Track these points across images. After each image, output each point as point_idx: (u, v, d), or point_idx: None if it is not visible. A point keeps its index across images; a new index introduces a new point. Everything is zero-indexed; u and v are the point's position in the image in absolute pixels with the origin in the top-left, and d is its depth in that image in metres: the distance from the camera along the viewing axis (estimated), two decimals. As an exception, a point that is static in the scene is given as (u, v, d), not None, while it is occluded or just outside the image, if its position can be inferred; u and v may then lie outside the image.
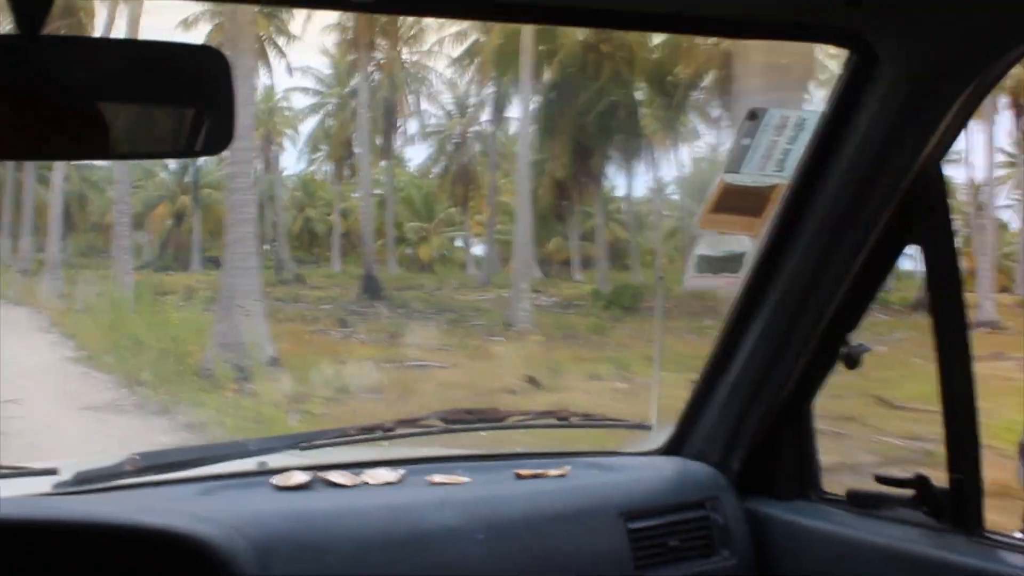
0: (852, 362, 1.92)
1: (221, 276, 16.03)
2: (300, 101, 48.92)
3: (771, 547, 2.00)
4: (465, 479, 1.93)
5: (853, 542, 1.87)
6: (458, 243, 41.70)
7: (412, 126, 36.06)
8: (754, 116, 1.88)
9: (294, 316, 20.40)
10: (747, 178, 1.87)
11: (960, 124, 1.66)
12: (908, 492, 1.83)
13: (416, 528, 1.74)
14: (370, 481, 1.89)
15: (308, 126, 39.69)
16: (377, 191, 34.60)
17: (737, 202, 1.91)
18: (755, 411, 2.03)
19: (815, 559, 1.93)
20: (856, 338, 1.92)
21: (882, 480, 1.89)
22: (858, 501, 1.95)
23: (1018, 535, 1.72)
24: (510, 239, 28.46)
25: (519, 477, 1.98)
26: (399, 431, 2.11)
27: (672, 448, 2.18)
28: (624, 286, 25.14)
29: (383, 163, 35.39)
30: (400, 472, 1.94)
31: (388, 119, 33.72)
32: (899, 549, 1.78)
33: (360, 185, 30.97)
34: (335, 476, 1.89)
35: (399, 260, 37.44)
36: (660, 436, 2.24)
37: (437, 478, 1.93)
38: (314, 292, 27.23)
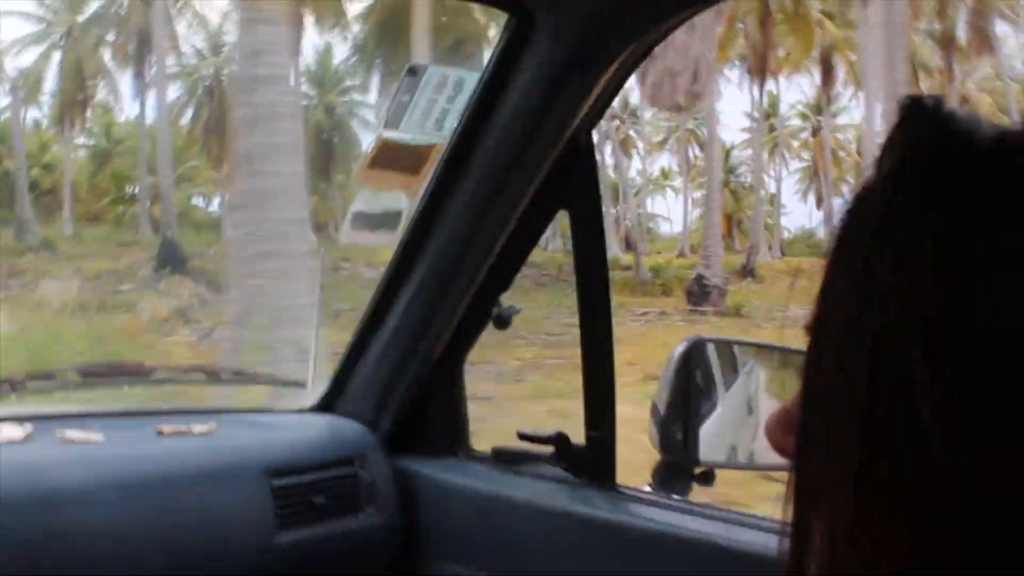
0: (502, 322, 1.96)
1: None
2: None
3: (418, 504, 2.03)
4: (100, 436, 1.82)
5: (496, 497, 1.92)
6: (196, 201, 38.43)
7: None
8: (413, 72, 1.87)
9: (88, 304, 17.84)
10: (406, 135, 1.86)
11: (612, 93, 1.72)
12: (549, 449, 1.90)
13: (43, 488, 1.62)
14: (-8, 438, 1.75)
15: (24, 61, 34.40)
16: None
17: (395, 159, 1.89)
18: (408, 370, 2.05)
19: (459, 514, 1.97)
20: (506, 299, 1.96)
21: (524, 437, 1.95)
22: (503, 458, 2.00)
23: (647, 489, 1.82)
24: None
25: (160, 434, 1.89)
26: (30, 384, 1.97)
27: (324, 406, 2.16)
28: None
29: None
30: (27, 428, 1.80)
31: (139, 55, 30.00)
32: (539, 503, 1.84)
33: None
34: (-49, 433, 1.73)
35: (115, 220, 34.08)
36: (314, 395, 2.21)
37: (69, 435, 1.80)
38: (86, 264, 22.42)
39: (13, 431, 1.78)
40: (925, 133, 0.57)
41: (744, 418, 2.16)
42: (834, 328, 0.58)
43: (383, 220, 2.04)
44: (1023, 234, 0.52)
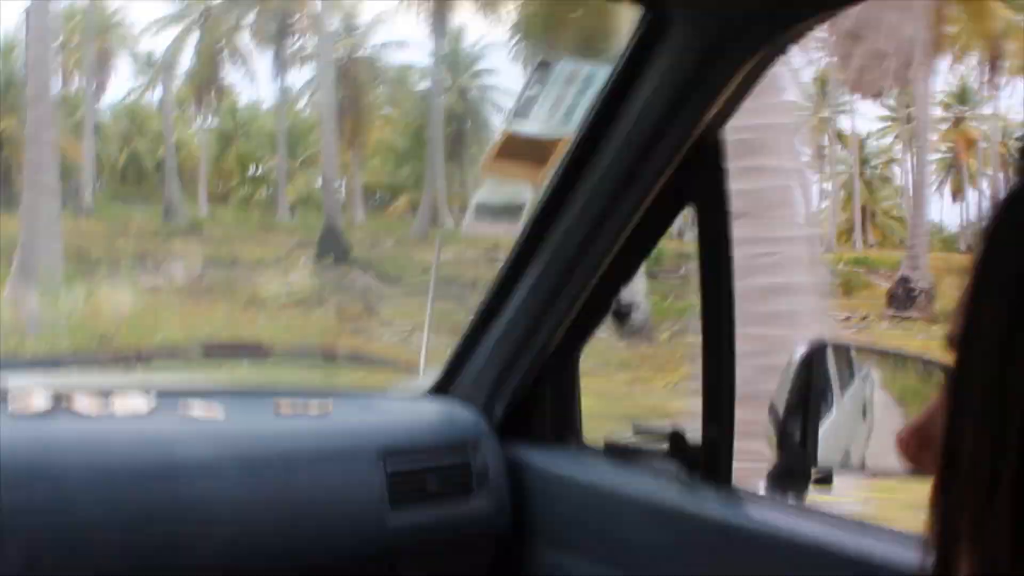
0: (622, 316, 1.96)
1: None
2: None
3: (527, 493, 2.04)
4: (221, 412, 1.86)
5: (606, 490, 1.92)
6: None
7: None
8: (544, 65, 1.88)
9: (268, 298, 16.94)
10: (533, 127, 1.86)
11: (743, 92, 1.70)
12: (663, 445, 1.89)
13: (165, 460, 1.67)
14: (118, 409, 1.80)
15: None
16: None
17: (521, 151, 1.90)
18: (522, 359, 2.05)
19: (569, 506, 1.98)
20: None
21: (639, 431, 1.94)
22: (615, 452, 2.00)
23: (763, 490, 1.80)
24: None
25: (279, 413, 1.93)
26: (155, 358, 2.02)
27: (438, 391, 2.19)
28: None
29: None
30: (152, 401, 1.85)
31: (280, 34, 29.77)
32: (650, 499, 1.84)
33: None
34: (80, 402, 1.78)
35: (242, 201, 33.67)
36: (428, 379, 2.23)
37: (191, 409, 1.85)
38: (240, 250, 21.32)
39: (139, 403, 1.84)
40: None
41: (859, 423, 2.13)
42: (985, 344, 0.55)
43: (506, 211, 2.05)
44: None
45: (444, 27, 27.68)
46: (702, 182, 1.78)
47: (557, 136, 1.86)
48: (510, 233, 2.04)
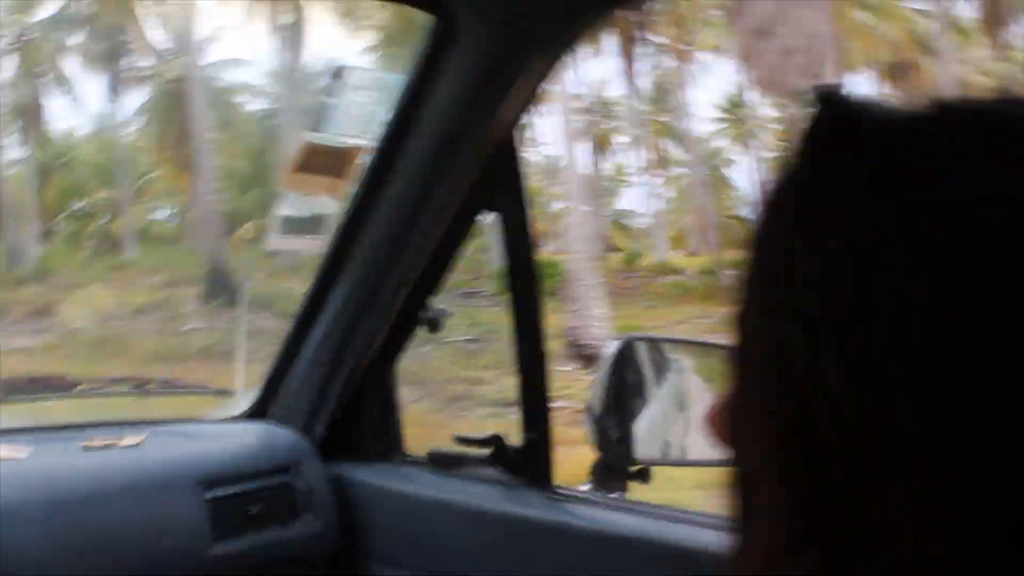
0: (434, 326, 1.96)
1: None
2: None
3: (355, 510, 2.02)
4: (25, 452, 1.78)
5: (433, 501, 1.91)
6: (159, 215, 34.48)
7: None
8: (339, 74, 1.86)
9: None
10: (330, 138, 1.85)
11: (535, 94, 1.72)
12: (486, 451, 1.90)
13: (-33, 507, 1.58)
14: (-87, 457, 1.70)
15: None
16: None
17: (320, 162, 1.88)
18: (339, 375, 2.03)
19: (396, 519, 1.96)
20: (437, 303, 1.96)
21: (461, 440, 1.95)
22: (439, 461, 1.99)
23: (584, 489, 1.83)
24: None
25: (88, 448, 1.86)
26: (-49, 401, 1.92)
27: (255, 413, 2.14)
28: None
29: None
30: (-50, 445, 1.76)
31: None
32: (476, 505, 1.84)
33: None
34: None
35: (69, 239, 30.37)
36: (245, 403, 2.19)
37: None
38: (107, 296, 19.54)
39: (-66, 449, 1.74)
40: (828, 121, 0.57)
41: (676, 415, 2.18)
42: (755, 316, 0.58)
43: (310, 224, 2.03)
44: (901, 223, 0.53)
45: (292, 44, 26.84)
46: (501, 187, 1.79)
47: (355, 145, 1.85)
48: (314, 247, 2.02)
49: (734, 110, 31.20)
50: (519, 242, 1.78)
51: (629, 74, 26.65)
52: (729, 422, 0.61)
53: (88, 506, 1.70)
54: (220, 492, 1.86)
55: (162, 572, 1.77)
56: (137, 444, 1.90)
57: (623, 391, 1.85)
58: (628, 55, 25.99)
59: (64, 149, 34.43)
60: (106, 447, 1.87)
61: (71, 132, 34.88)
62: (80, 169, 34.08)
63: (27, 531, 1.60)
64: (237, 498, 1.88)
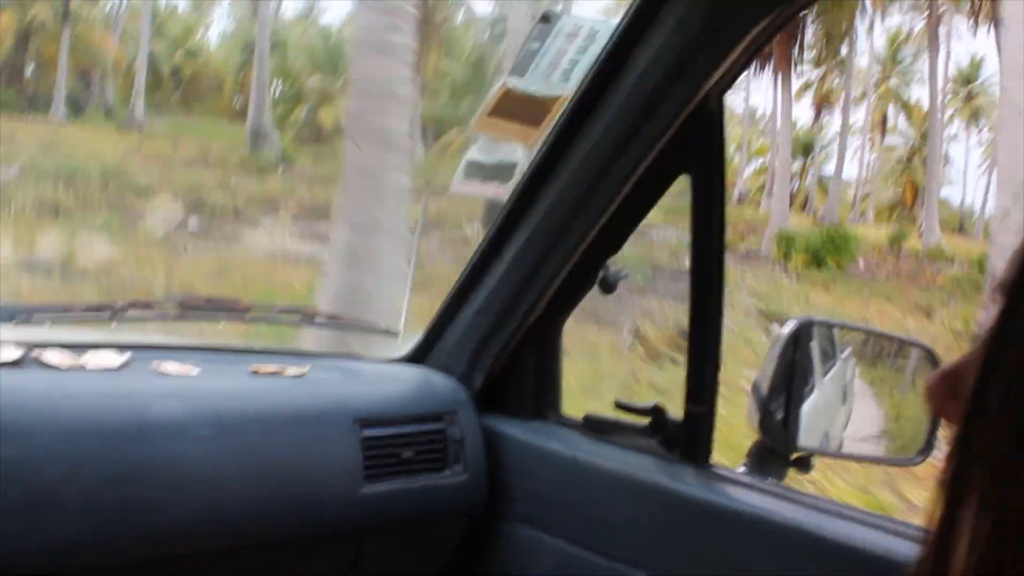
0: (608, 287, 1.93)
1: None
2: None
3: (504, 465, 2.01)
4: (196, 370, 1.82)
5: (584, 465, 1.89)
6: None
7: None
8: (547, 19, 1.82)
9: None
10: (531, 84, 1.81)
11: (747, 59, 1.67)
12: (644, 421, 1.86)
13: (136, 418, 1.62)
14: (90, 364, 1.76)
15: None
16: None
17: (517, 109, 1.84)
18: (505, 328, 2.02)
19: (545, 479, 1.95)
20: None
21: (621, 407, 1.92)
22: (595, 426, 1.97)
23: (741, 470, 1.79)
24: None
25: (254, 373, 1.90)
26: (130, 312, 1.98)
27: (416, 357, 2.15)
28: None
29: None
30: (125, 356, 1.81)
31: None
32: (628, 474, 1.81)
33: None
34: (51, 355, 1.74)
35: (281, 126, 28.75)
36: (407, 345, 2.20)
37: (165, 366, 1.81)
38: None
39: (112, 358, 1.80)
40: None
41: (838, 405, 2.12)
42: None
43: (497, 171, 2.00)
44: None
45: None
46: (699, 151, 1.74)
47: (555, 94, 1.81)
48: (499, 194, 2.00)
49: (966, 84, 29.62)
50: (709, 209, 1.73)
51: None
52: (956, 393, 0.58)
53: (252, 429, 1.73)
54: (376, 432, 1.87)
55: (313, 504, 1.79)
56: (302, 375, 1.93)
57: (793, 375, 1.79)
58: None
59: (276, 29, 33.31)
60: (272, 374, 1.90)
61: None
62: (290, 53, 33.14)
63: (194, 446, 1.64)
64: (391, 440, 1.90)
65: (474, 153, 2.02)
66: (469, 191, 2.03)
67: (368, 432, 1.86)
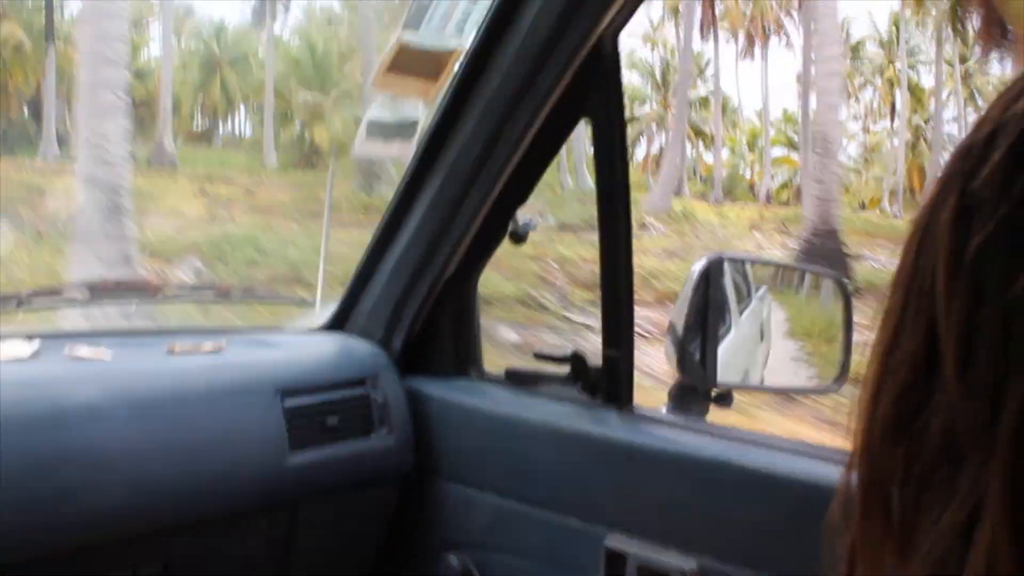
0: (518, 238, 1.94)
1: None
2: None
3: (430, 425, 2.03)
4: (110, 353, 1.80)
5: (509, 418, 1.91)
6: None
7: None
8: None
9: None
10: (425, 39, 1.81)
11: None
12: (565, 369, 1.88)
13: (52, 405, 1.60)
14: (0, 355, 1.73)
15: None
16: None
17: (414, 64, 1.84)
18: (420, 288, 2.03)
19: (473, 436, 1.97)
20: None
21: (540, 357, 1.94)
22: (517, 379, 1.99)
23: (663, 410, 1.81)
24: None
25: (170, 352, 1.88)
26: (37, 300, 1.95)
27: (335, 325, 2.15)
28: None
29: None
30: (35, 345, 1.79)
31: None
32: (553, 424, 1.83)
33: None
34: (-43, 349, 1.71)
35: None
36: (324, 314, 2.20)
37: (78, 352, 1.79)
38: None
39: (19, 348, 1.77)
40: None
41: (756, 342, 2.16)
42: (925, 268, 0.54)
43: (399, 130, 2.00)
44: None
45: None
46: (598, 95, 1.75)
47: (450, 48, 1.81)
48: (403, 153, 1.99)
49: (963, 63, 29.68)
50: (612, 152, 1.74)
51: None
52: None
53: (171, 409, 1.71)
54: (298, 401, 1.87)
55: (240, 478, 1.79)
56: (218, 350, 1.92)
57: (708, 313, 1.82)
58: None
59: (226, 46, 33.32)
60: (188, 352, 1.89)
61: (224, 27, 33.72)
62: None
63: (110, 430, 1.62)
64: (315, 408, 1.90)
65: (374, 112, 2.01)
66: (372, 152, 2.02)
67: (290, 402, 1.86)
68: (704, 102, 38.90)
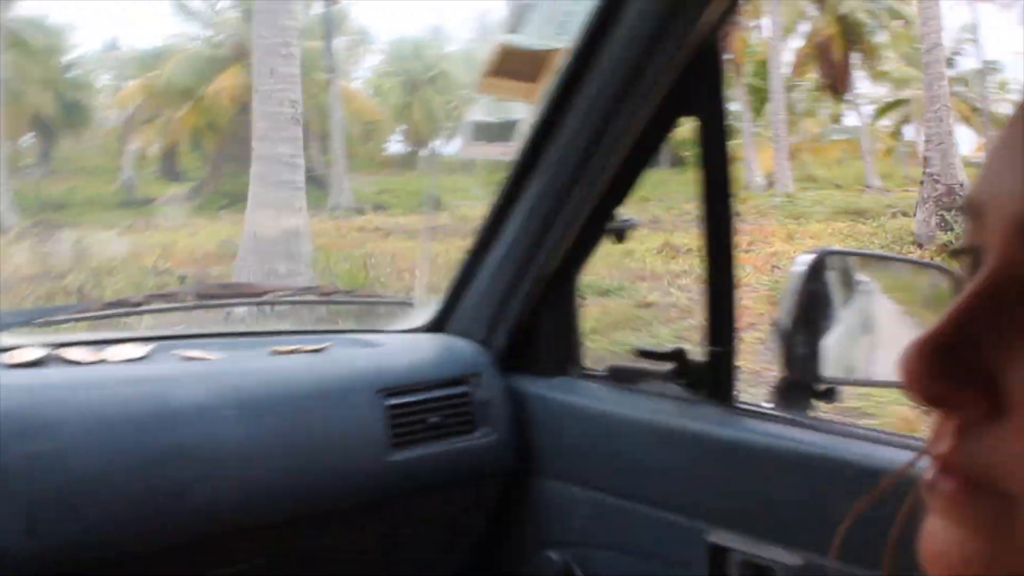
0: (620, 236, 1.94)
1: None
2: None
3: (531, 423, 2.04)
4: (217, 355, 1.86)
5: (612, 416, 1.91)
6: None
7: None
8: None
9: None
10: (526, 40, 1.83)
11: None
12: (667, 366, 1.88)
13: (162, 404, 1.66)
14: (112, 357, 1.79)
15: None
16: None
17: (516, 66, 1.86)
18: (521, 287, 2.04)
19: (574, 434, 1.97)
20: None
21: (642, 354, 1.93)
22: (619, 376, 1.99)
23: (767, 405, 1.80)
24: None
25: (275, 353, 1.92)
26: (148, 306, 2.01)
27: (436, 325, 2.18)
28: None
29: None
30: (147, 348, 1.85)
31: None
32: (656, 421, 1.83)
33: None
34: (73, 352, 1.78)
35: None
36: (425, 313, 2.22)
37: (187, 353, 1.85)
38: None
39: (134, 350, 1.83)
40: None
41: (861, 335, 2.13)
42: None
43: (502, 130, 2.02)
44: None
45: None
46: (702, 92, 1.74)
47: (552, 47, 1.82)
48: (506, 154, 2.01)
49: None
50: (715, 150, 1.74)
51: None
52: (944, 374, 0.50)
53: (276, 409, 1.76)
54: (400, 400, 1.90)
55: (343, 476, 1.82)
56: (320, 350, 1.96)
57: (814, 307, 1.80)
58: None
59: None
60: (292, 352, 1.93)
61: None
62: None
63: (218, 429, 1.67)
64: (416, 407, 1.92)
65: (478, 114, 2.03)
66: (477, 153, 2.05)
67: (392, 401, 1.89)
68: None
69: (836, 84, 25.83)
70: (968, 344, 0.48)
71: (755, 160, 24.05)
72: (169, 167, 30.55)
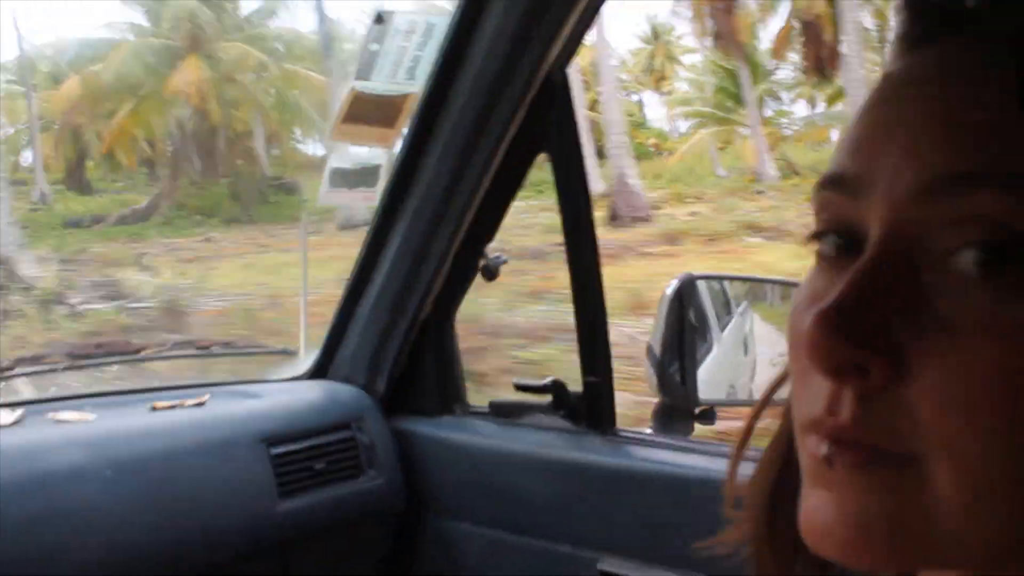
0: (491, 274, 1.97)
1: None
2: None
3: (418, 463, 2.05)
4: (93, 415, 1.83)
5: (497, 451, 1.93)
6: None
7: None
8: (380, 20, 1.86)
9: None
10: (378, 86, 1.85)
11: (582, 30, 1.71)
12: (547, 398, 1.91)
13: (37, 469, 1.62)
14: (-21, 426, 1.75)
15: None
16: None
17: (369, 112, 1.88)
18: (398, 330, 2.06)
19: (462, 471, 1.99)
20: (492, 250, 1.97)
21: (521, 388, 1.96)
22: (501, 411, 2.02)
23: (647, 431, 1.84)
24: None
25: (155, 409, 1.90)
26: (17, 370, 1.97)
27: (317, 372, 2.18)
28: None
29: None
30: (18, 413, 1.81)
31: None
32: (540, 454, 1.86)
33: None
34: (-59, 422, 1.74)
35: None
36: (306, 361, 2.22)
37: (61, 415, 1.82)
38: None
39: (4, 416, 1.79)
40: None
41: (741, 357, 2.18)
42: None
43: (361, 177, 2.04)
44: None
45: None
46: (553, 126, 1.79)
47: (404, 92, 1.85)
48: (369, 199, 2.03)
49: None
50: (573, 181, 1.78)
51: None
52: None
53: (156, 466, 1.73)
54: (284, 449, 1.90)
55: (230, 529, 1.81)
56: (201, 403, 1.94)
57: (684, 332, 1.85)
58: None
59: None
60: (171, 407, 1.91)
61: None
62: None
63: (96, 491, 1.64)
64: (301, 454, 1.92)
65: (335, 161, 2.05)
66: (338, 201, 2.06)
67: (276, 450, 1.88)
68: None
69: (823, 65, 25.93)
70: (868, 310, 0.50)
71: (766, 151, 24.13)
72: (77, 179, 28.68)
